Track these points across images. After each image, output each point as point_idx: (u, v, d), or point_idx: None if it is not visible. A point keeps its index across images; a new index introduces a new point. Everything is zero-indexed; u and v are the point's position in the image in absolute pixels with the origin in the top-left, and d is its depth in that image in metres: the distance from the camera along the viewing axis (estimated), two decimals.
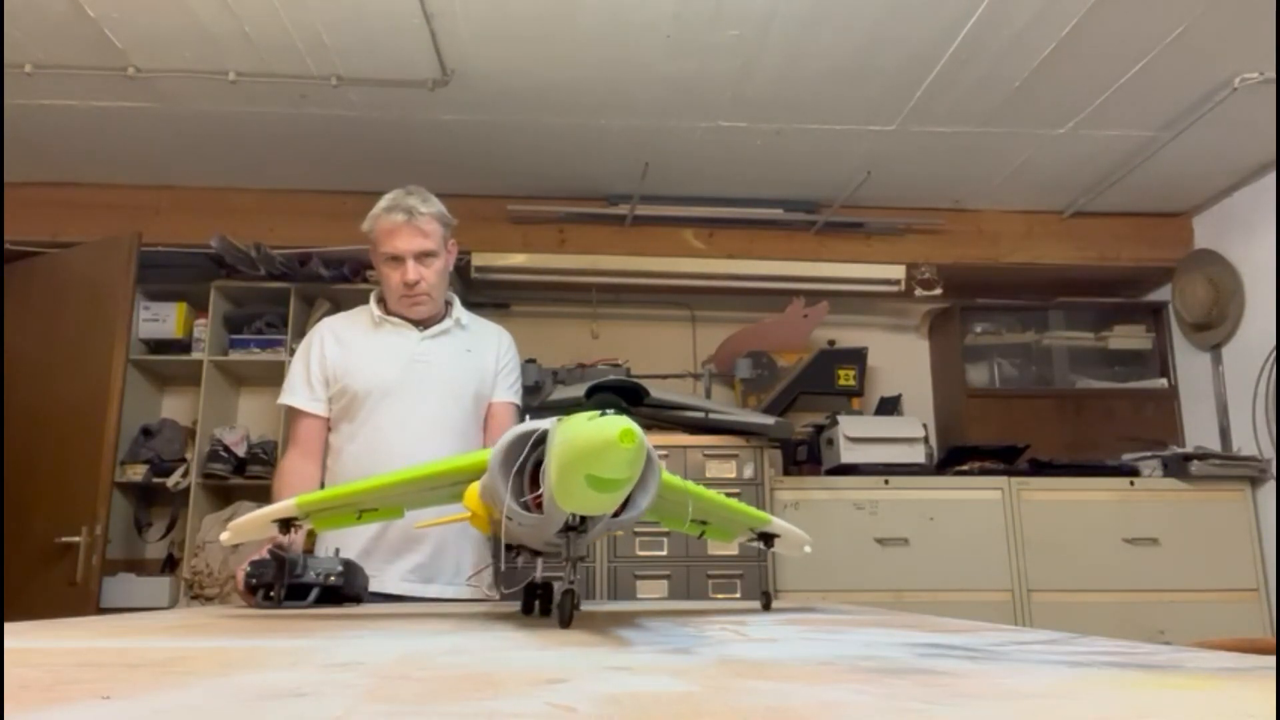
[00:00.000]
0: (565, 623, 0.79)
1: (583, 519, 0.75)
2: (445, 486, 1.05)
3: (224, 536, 1.19)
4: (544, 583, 1.12)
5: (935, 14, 2.54)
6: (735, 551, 3.12)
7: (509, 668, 0.53)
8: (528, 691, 0.42)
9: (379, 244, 1.99)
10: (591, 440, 0.62)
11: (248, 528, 1.17)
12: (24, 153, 3.27)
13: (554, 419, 0.74)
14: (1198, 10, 2.49)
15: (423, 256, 1.98)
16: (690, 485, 1.05)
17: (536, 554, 0.97)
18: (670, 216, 3.72)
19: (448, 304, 2.10)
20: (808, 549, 1.25)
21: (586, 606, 1.65)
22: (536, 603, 1.05)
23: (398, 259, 1.98)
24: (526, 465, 0.78)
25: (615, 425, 0.61)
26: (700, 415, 3.23)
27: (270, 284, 3.58)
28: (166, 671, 0.52)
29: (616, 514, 0.76)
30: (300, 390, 2.02)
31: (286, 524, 1.14)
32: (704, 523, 1.17)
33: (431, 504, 1.12)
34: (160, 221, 3.52)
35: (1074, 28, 2.57)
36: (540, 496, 0.75)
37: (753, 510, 1.18)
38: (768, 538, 1.22)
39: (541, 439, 0.76)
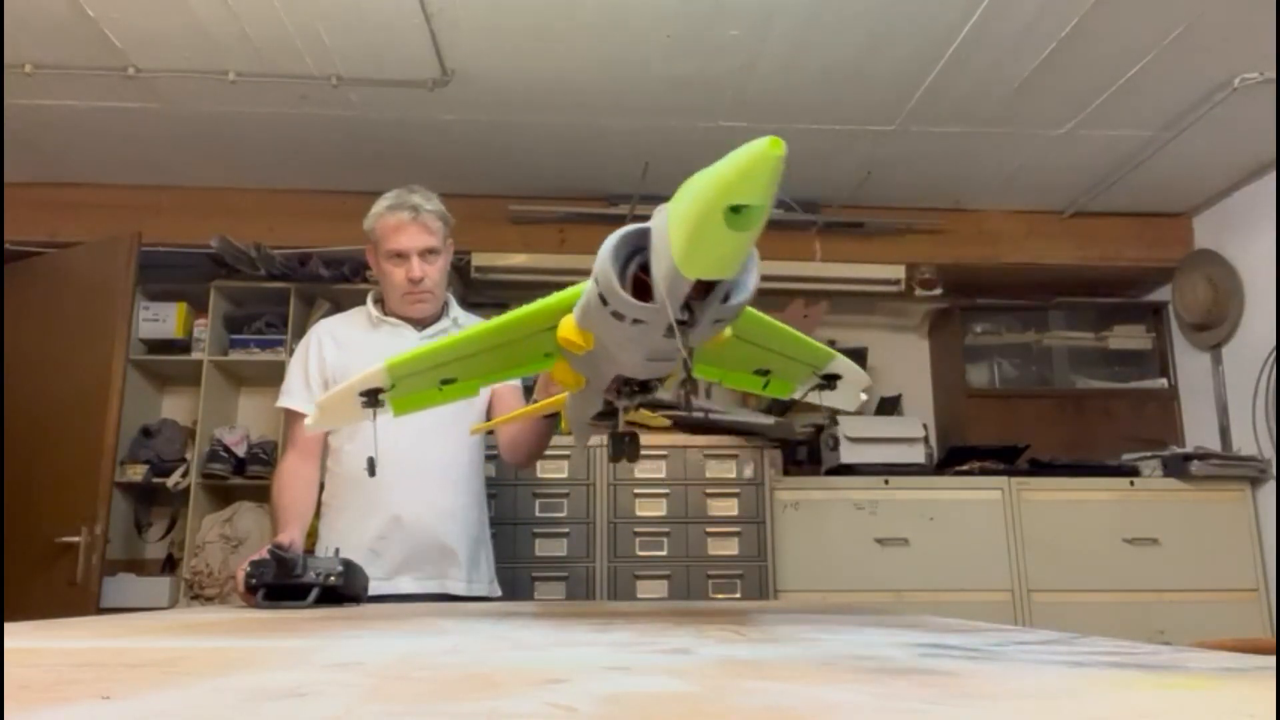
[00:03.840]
0: (688, 405, 0.82)
1: (690, 310, 0.76)
2: (535, 334, 0.99)
3: (308, 422, 1.12)
4: (630, 432, 1.12)
5: (935, 14, 2.54)
6: (735, 551, 3.12)
7: (509, 668, 0.53)
8: (528, 691, 0.42)
9: (383, 241, 1.99)
10: (737, 161, 0.63)
11: (333, 404, 1.08)
12: (24, 153, 3.27)
13: (659, 208, 0.75)
14: (1198, 10, 2.49)
15: (426, 254, 1.99)
16: (757, 314, 0.98)
17: (634, 390, 0.97)
18: None
19: (444, 304, 2.11)
20: (864, 395, 1.18)
21: (586, 606, 1.65)
22: (622, 449, 1.07)
23: (402, 256, 1.98)
24: (628, 272, 0.78)
25: (761, 140, 0.61)
26: (700, 415, 3.23)
27: (270, 284, 3.57)
28: (166, 671, 0.52)
29: (725, 300, 0.77)
30: (299, 392, 2.02)
31: (374, 396, 1.04)
32: (767, 372, 1.10)
33: (519, 368, 1.05)
34: (160, 221, 3.51)
35: (1074, 28, 2.57)
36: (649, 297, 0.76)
37: (817, 344, 1.09)
38: (831, 378, 1.13)
39: (644, 237, 0.77)
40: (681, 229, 0.69)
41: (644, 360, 0.88)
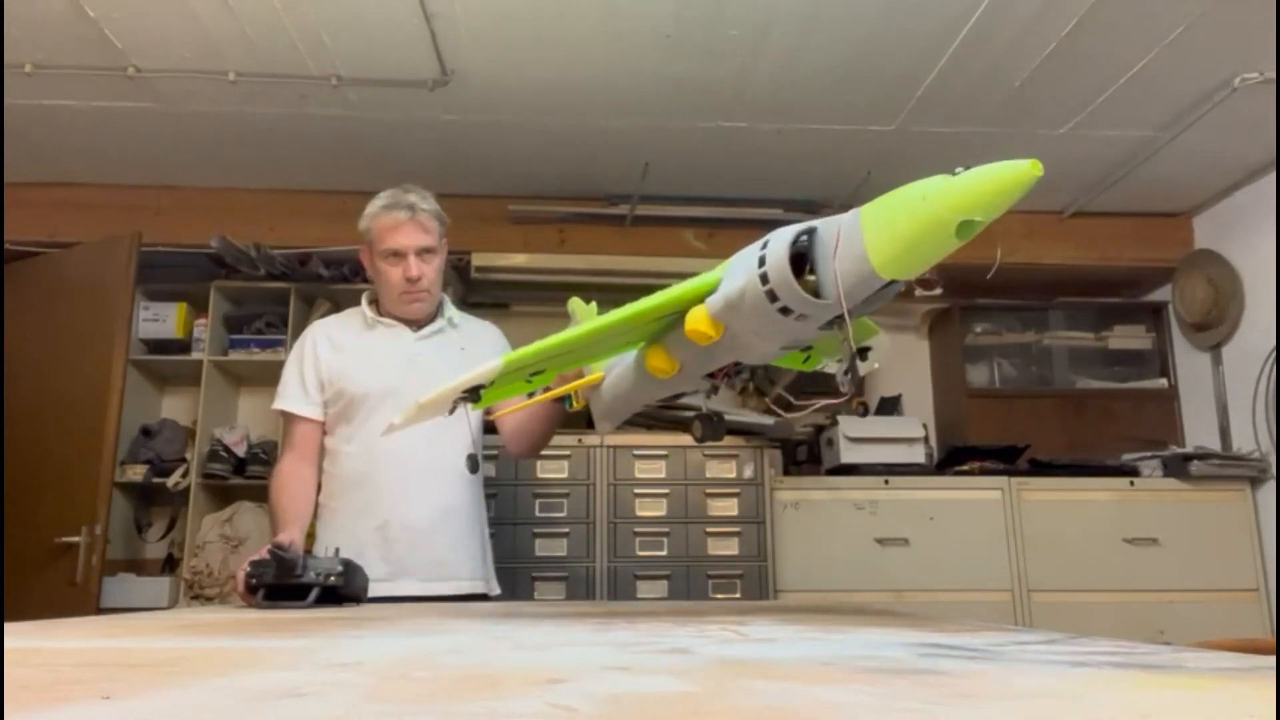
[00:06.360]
0: (856, 387, 0.86)
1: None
2: (639, 326, 1.00)
3: (397, 420, 1.10)
4: (717, 412, 1.15)
5: (935, 14, 2.53)
6: (735, 551, 3.12)
7: (509, 668, 0.53)
8: (528, 691, 0.42)
9: (379, 241, 1.99)
10: (992, 178, 0.65)
11: (436, 404, 1.07)
12: (24, 153, 3.27)
13: (850, 213, 0.79)
14: (1198, 10, 2.49)
15: (423, 253, 1.98)
16: None
17: (738, 372, 1.01)
18: (670, 216, 3.72)
19: (440, 303, 2.10)
20: (877, 365, 1.20)
21: (586, 607, 1.65)
22: (713, 429, 1.12)
23: (399, 255, 1.97)
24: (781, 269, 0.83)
25: (1021, 161, 0.63)
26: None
27: (270, 284, 3.57)
28: (166, 671, 0.52)
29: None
30: (295, 394, 2.01)
31: (475, 391, 1.06)
32: (809, 347, 1.12)
33: (603, 355, 1.06)
34: (160, 221, 3.51)
35: (1074, 28, 2.57)
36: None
37: (866, 321, 1.11)
38: (864, 351, 1.15)
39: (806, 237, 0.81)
40: (895, 234, 0.71)
41: (778, 349, 0.91)
